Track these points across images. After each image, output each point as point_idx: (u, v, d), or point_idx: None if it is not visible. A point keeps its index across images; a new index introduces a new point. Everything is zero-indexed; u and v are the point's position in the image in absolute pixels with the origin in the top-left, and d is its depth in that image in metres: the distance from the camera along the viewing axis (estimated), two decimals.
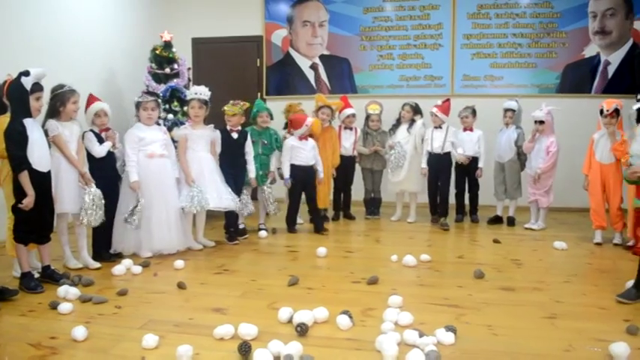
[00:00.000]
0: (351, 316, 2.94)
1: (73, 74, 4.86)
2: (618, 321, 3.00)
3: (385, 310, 3.05)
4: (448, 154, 5.89)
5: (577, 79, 6.98)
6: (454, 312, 3.16)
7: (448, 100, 5.89)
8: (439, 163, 5.88)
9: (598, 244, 5.00)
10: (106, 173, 4.32)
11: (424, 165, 5.93)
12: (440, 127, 5.85)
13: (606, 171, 5.01)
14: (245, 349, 2.52)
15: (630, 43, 6.77)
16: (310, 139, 5.50)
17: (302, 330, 2.79)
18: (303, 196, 5.66)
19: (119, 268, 4.00)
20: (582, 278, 3.98)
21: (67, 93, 3.99)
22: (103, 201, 4.08)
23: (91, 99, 4.38)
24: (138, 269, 4.05)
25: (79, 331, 2.72)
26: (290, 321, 2.94)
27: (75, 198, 4.02)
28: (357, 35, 7.48)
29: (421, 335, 2.68)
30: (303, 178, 5.50)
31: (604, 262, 4.45)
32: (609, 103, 4.93)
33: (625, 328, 2.86)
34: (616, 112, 4.88)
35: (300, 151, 5.44)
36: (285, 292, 3.59)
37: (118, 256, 4.38)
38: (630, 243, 4.77)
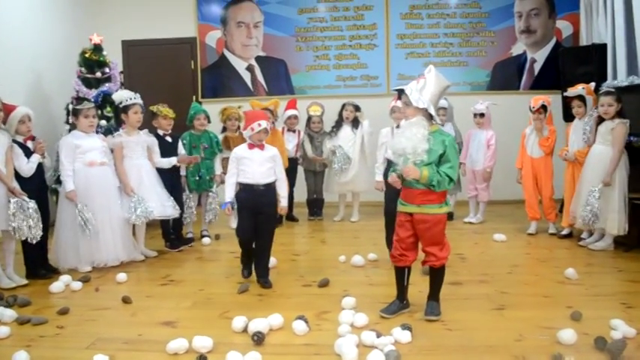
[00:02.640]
0: (306, 321, 2.92)
1: None
2: (562, 308, 3.13)
3: (340, 312, 3.05)
4: None
5: (506, 76, 7.26)
6: (407, 310, 3.19)
7: None
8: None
9: (531, 234, 5.21)
10: (35, 186, 4.03)
11: (379, 178, 4.61)
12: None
13: (537, 164, 5.22)
14: None
15: (554, 41, 7.12)
16: (269, 147, 3.83)
17: (259, 339, 2.73)
18: None
19: (57, 285, 3.77)
20: (523, 268, 4.15)
21: None
22: (38, 214, 3.84)
23: (7, 107, 3.99)
24: (78, 285, 3.83)
25: (20, 357, 2.55)
26: (245, 330, 2.88)
27: (3, 214, 3.73)
28: (292, 36, 7.45)
29: (378, 335, 2.69)
30: (251, 204, 3.74)
31: (542, 251, 4.64)
32: (536, 100, 5.13)
33: (569, 314, 2.99)
34: (543, 108, 5.09)
35: (247, 163, 3.74)
36: (236, 299, 3.52)
37: (55, 272, 4.14)
38: (564, 232, 5.02)
